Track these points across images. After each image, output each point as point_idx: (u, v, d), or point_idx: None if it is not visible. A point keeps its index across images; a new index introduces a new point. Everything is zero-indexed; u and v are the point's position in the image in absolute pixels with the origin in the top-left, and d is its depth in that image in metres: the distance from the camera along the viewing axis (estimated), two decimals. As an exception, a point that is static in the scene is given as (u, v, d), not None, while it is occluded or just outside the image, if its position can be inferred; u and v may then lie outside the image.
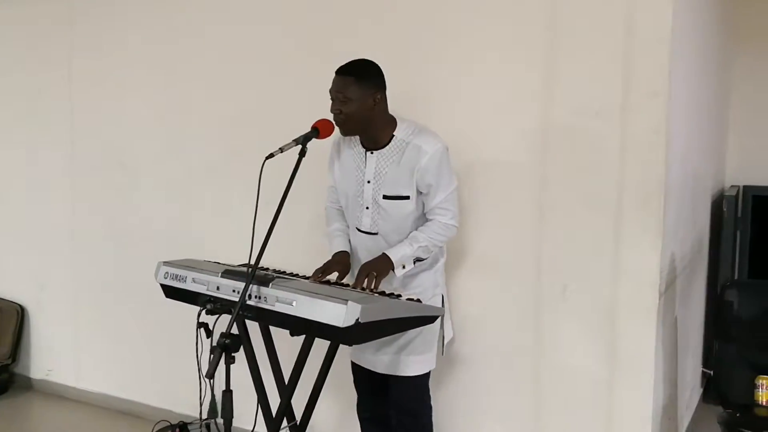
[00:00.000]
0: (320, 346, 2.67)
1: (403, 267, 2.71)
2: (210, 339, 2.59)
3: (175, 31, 3.96)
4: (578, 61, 2.90)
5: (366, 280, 2.62)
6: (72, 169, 4.41)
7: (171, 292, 2.81)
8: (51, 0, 4.37)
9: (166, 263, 2.82)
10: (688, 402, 3.98)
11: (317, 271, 2.76)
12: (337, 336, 2.34)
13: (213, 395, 3.87)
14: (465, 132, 3.11)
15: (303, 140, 2.57)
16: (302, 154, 2.56)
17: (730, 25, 4.65)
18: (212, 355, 3.36)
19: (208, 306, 2.56)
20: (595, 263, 2.93)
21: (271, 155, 2.49)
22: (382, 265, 2.67)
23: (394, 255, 2.68)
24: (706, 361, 4.58)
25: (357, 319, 2.21)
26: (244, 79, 3.74)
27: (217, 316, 2.51)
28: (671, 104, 2.80)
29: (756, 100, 4.87)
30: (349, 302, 2.21)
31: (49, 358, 4.64)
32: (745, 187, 4.58)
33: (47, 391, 4.62)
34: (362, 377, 2.97)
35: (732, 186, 4.72)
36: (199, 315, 2.59)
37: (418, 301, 2.58)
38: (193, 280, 2.68)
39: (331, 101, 2.68)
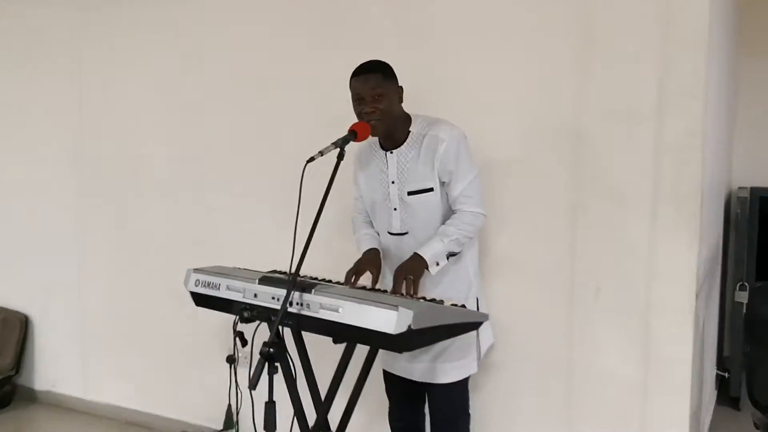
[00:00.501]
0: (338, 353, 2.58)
1: (437, 264, 2.65)
2: (249, 347, 2.53)
3: (185, 32, 3.89)
4: (613, 61, 2.87)
5: (404, 284, 2.56)
6: (78, 175, 4.31)
7: (202, 300, 2.72)
8: (59, 1, 4.28)
9: (196, 270, 2.72)
10: (707, 405, 3.97)
11: (349, 272, 2.70)
12: (386, 343, 2.26)
13: (229, 406, 3.82)
14: (497, 132, 3.09)
15: (341, 143, 2.51)
16: (340, 157, 2.50)
17: (737, 28, 4.67)
18: (231, 364, 3.29)
19: (245, 314, 2.48)
20: (629, 265, 2.90)
21: (312, 159, 2.42)
22: (416, 267, 2.61)
23: (426, 253, 2.62)
24: (719, 363, 4.58)
25: (409, 326, 2.15)
26: (252, 81, 3.69)
27: (257, 323, 2.43)
28: (706, 105, 2.79)
29: (762, 102, 4.90)
30: (400, 308, 2.13)
31: (54, 368, 4.51)
32: (752, 188, 4.60)
33: (52, 403, 4.50)
34: (396, 385, 2.92)
35: (741, 188, 4.74)
36: (235, 323, 2.51)
37: (463, 306, 2.53)
38: (228, 288, 2.58)
39: (359, 104, 2.64)
